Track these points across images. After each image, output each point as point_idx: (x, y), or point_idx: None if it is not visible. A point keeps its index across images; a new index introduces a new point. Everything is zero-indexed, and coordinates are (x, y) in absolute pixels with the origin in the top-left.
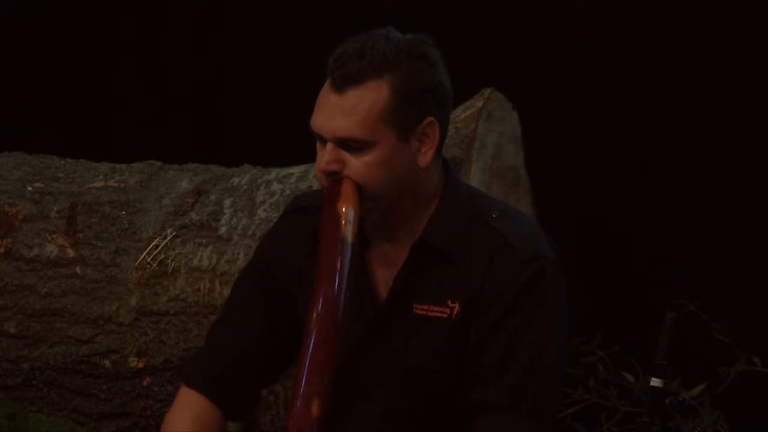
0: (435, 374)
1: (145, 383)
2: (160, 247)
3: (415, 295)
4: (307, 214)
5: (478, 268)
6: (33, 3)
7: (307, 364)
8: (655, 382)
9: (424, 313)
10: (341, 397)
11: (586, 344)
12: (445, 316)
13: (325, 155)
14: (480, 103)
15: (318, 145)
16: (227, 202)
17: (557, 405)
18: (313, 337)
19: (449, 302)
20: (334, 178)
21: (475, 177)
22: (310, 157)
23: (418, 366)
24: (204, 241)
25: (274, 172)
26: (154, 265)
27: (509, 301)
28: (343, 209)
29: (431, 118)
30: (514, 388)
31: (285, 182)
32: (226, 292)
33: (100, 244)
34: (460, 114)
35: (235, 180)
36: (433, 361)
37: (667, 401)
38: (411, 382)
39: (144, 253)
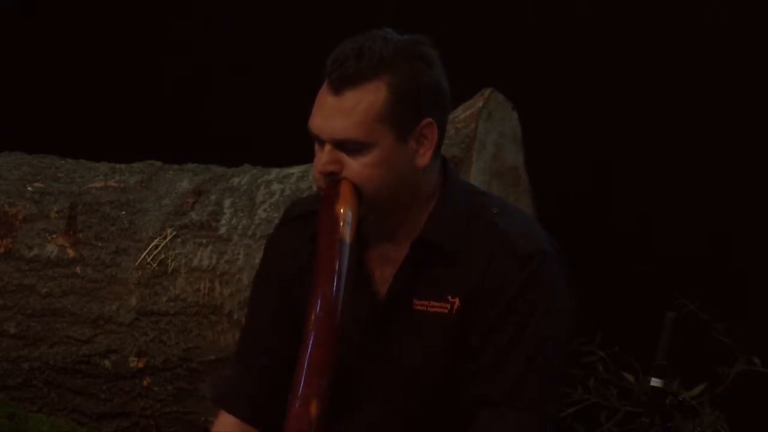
0: (435, 371)
1: (145, 383)
2: (160, 247)
3: (415, 292)
4: (305, 222)
5: (478, 265)
6: (33, 3)
7: (305, 364)
8: (655, 382)
9: (424, 308)
10: (342, 397)
11: (586, 344)
12: (446, 311)
13: (324, 157)
14: (480, 103)
15: (316, 146)
16: (227, 202)
17: (558, 400)
18: (312, 337)
19: (449, 297)
20: (333, 179)
21: (475, 177)
22: (310, 157)
23: (418, 362)
24: (204, 241)
25: (274, 172)
26: (154, 265)
27: (509, 298)
28: (342, 210)
29: (429, 119)
30: (514, 384)
31: (285, 182)
32: (226, 292)
33: (100, 244)
34: (460, 114)
35: (235, 180)
36: (433, 357)
37: (667, 401)
38: (411, 379)
39: (144, 253)
